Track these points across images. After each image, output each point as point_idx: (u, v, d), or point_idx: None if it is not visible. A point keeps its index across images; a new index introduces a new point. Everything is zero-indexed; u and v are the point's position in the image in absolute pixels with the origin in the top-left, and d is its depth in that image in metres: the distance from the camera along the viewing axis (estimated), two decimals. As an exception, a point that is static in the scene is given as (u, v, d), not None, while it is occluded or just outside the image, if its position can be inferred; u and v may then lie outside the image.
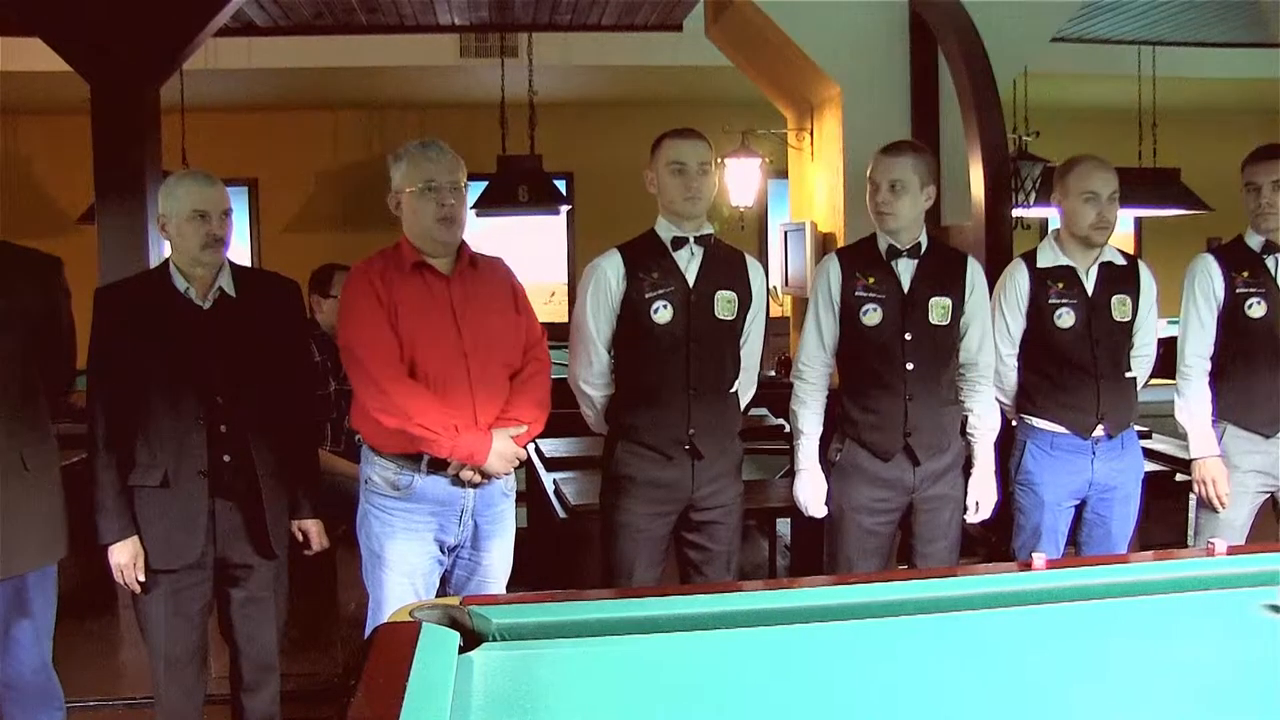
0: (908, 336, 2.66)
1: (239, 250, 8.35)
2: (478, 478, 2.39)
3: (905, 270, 2.69)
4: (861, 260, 2.72)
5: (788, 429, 2.86)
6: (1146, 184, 6.13)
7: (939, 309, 2.68)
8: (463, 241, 2.45)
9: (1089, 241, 2.79)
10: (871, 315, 2.67)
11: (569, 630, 1.74)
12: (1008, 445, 2.92)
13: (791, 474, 2.86)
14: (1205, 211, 6.39)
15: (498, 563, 2.51)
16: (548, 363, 2.53)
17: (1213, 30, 6.29)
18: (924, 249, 2.71)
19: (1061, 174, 2.86)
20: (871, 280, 2.68)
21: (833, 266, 2.74)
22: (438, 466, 2.38)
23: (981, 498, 2.77)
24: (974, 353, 2.77)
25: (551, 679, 1.59)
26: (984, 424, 2.79)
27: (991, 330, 2.80)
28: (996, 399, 2.91)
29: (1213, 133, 7.94)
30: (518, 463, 2.45)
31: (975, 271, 2.76)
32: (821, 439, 2.78)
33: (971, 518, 2.78)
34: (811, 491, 2.75)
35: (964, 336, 2.75)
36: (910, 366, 2.66)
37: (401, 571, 2.40)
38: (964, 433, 2.80)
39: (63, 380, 2.54)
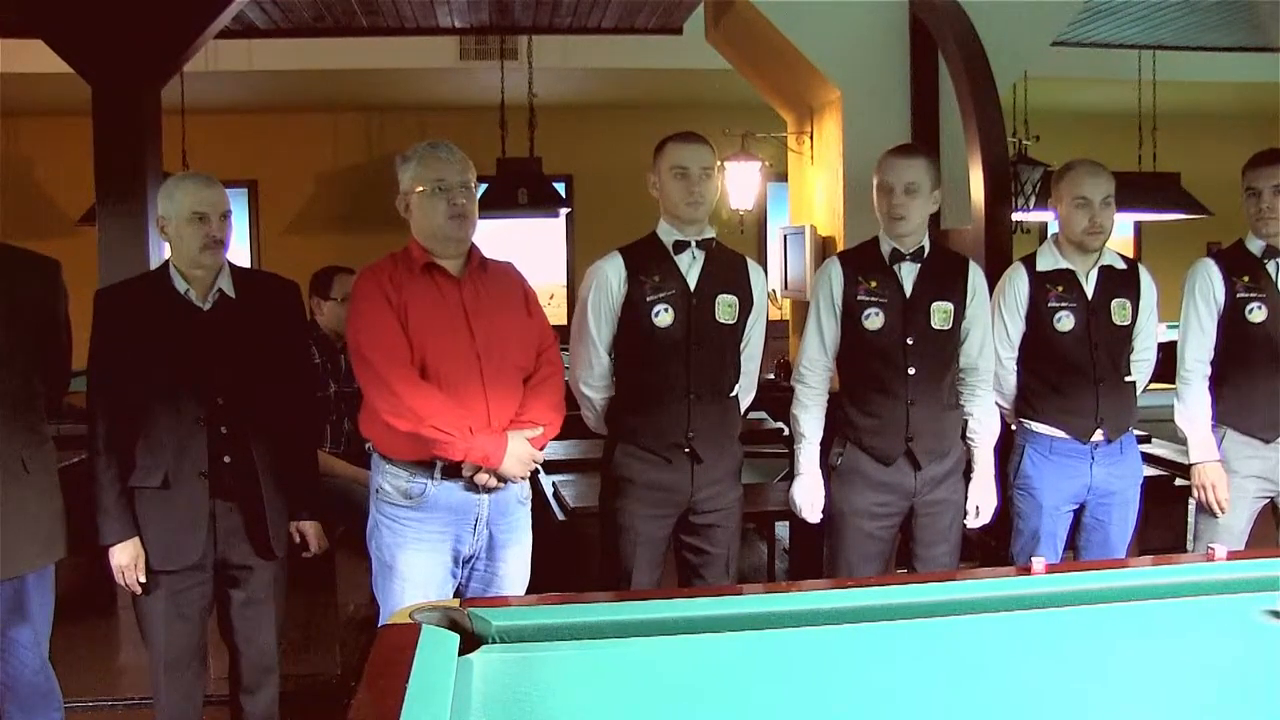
0: (909, 341, 2.66)
1: (239, 252, 8.39)
2: (493, 481, 2.34)
3: (907, 274, 2.69)
4: (863, 264, 2.72)
5: (787, 432, 2.86)
6: (1146, 188, 6.14)
7: (940, 313, 2.68)
8: (473, 244, 2.44)
9: (1084, 246, 2.79)
10: (873, 319, 2.67)
11: (568, 633, 1.74)
12: (1006, 449, 2.92)
13: (791, 478, 2.85)
14: (1205, 216, 6.40)
15: (514, 573, 2.46)
16: (561, 366, 2.51)
17: (1212, 35, 6.30)
18: (926, 253, 2.71)
19: (1057, 179, 2.87)
20: (873, 284, 2.68)
21: (834, 270, 2.74)
22: (452, 473, 2.33)
23: (982, 503, 2.77)
24: (974, 357, 2.77)
25: (551, 681, 1.59)
26: (984, 428, 2.79)
27: (992, 334, 2.80)
28: (996, 403, 2.91)
29: (1212, 137, 7.95)
30: (534, 466, 2.41)
31: (977, 276, 2.76)
32: (821, 443, 2.78)
33: (972, 523, 2.78)
34: (808, 496, 2.74)
35: (965, 341, 2.75)
36: (912, 371, 2.66)
37: (414, 583, 2.34)
38: (964, 437, 2.80)
39: (61, 382, 2.53)
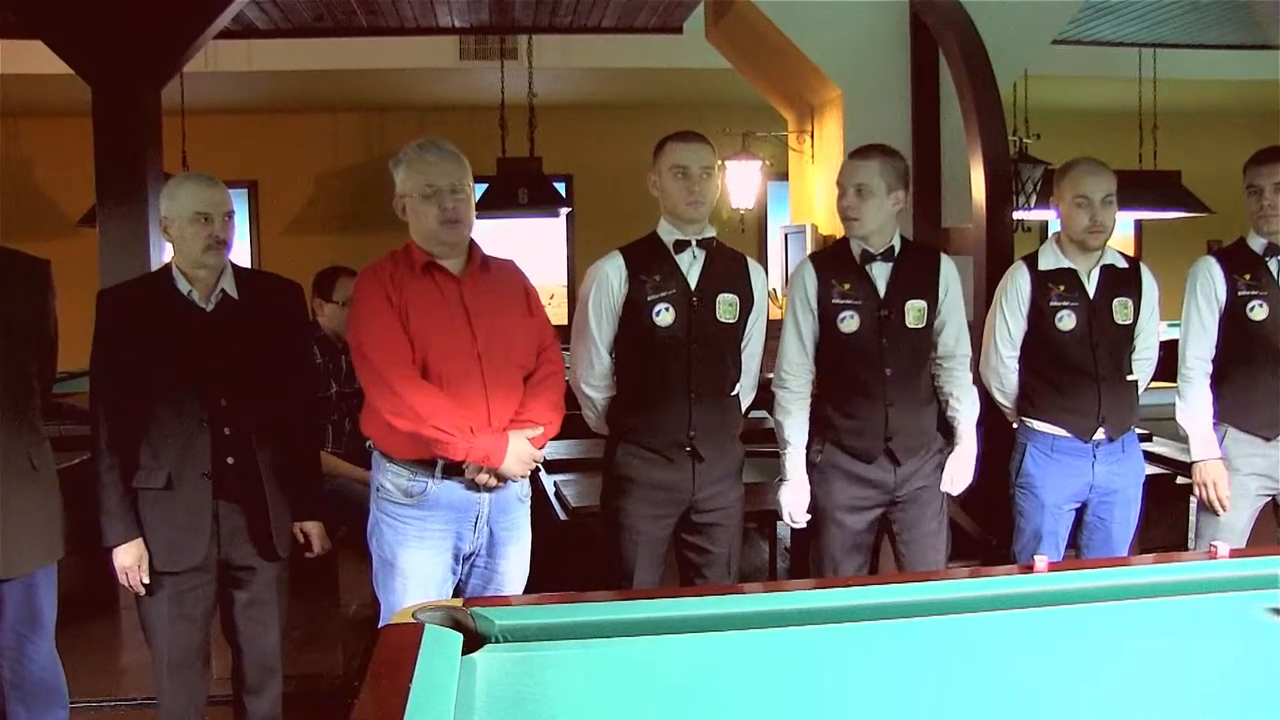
0: (885, 342, 2.66)
1: (239, 252, 8.37)
2: (494, 481, 2.35)
3: (880, 274, 2.69)
4: (835, 266, 2.71)
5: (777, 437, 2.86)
6: (1147, 186, 6.14)
7: (914, 312, 2.68)
8: (474, 243, 2.43)
9: (1085, 245, 2.80)
10: (848, 322, 2.66)
11: (571, 632, 1.74)
12: (1008, 448, 2.92)
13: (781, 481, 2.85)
14: (1205, 214, 6.39)
15: (514, 570, 2.47)
16: (562, 365, 2.51)
17: (1213, 32, 6.30)
18: (897, 252, 2.70)
19: (1058, 177, 2.87)
20: (847, 286, 2.68)
21: (808, 273, 2.73)
22: (452, 472, 2.34)
23: (957, 475, 2.75)
24: (952, 346, 2.76)
25: (553, 680, 1.59)
26: (964, 405, 2.76)
27: (967, 323, 2.80)
28: (998, 402, 2.91)
29: (1213, 135, 7.95)
30: (534, 465, 2.41)
31: (948, 269, 2.75)
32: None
33: (945, 487, 2.76)
34: (795, 499, 2.73)
35: (941, 333, 2.74)
36: (889, 371, 2.66)
37: (415, 580, 2.36)
38: (945, 424, 2.77)
39: (49, 382, 2.55)
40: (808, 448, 2.75)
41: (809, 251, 5.20)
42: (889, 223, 2.69)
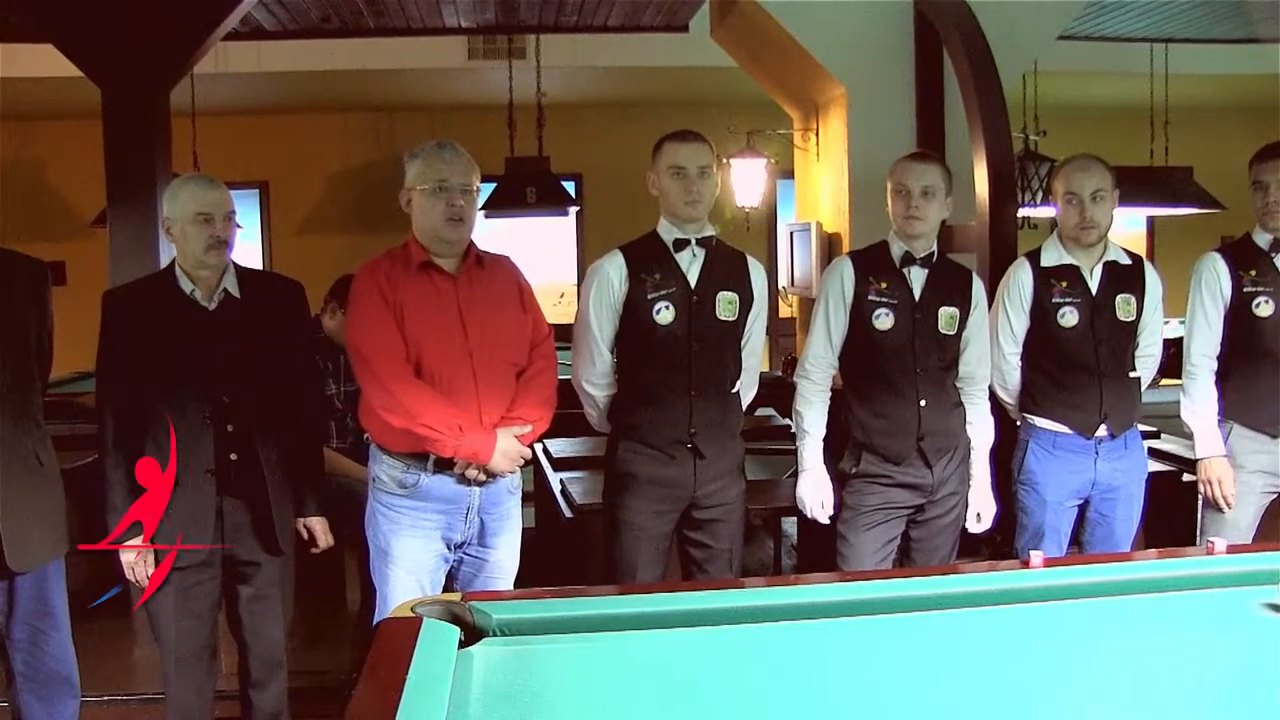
0: (917, 343, 2.68)
1: (250, 253, 8.41)
2: (483, 476, 2.41)
3: (917, 278, 2.71)
4: (874, 265, 2.73)
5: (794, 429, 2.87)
6: (1158, 183, 6.09)
7: (946, 318, 2.70)
8: (470, 241, 2.47)
9: (1079, 241, 2.80)
10: (883, 319, 2.68)
11: (569, 626, 1.75)
12: (1010, 444, 2.92)
13: (797, 475, 2.86)
14: (1218, 210, 6.35)
15: (505, 560, 2.53)
16: (554, 361, 2.55)
17: (1224, 27, 6.25)
18: (934, 259, 2.73)
19: (1053, 175, 2.87)
20: (884, 285, 2.70)
21: (846, 268, 2.75)
22: (444, 465, 2.40)
23: (983, 509, 2.79)
24: (973, 367, 2.79)
25: (551, 674, 1.61)
26: (980, 437, 2.79)
27: (989, 347, 2.82)
28: (1000, 399, 2.91)
29: (1225, 130, 7.87)
30: (523, 461, 2.47)
31: (978, 288, 2.79)
32: (832, 449, 2.78)
33: (973, 528, 2.79)
34: (815, 493, 2.74)
35: (964, 350, 2.77)
36: (920, 371, 2.67)
37: (408, 568, 2.43)
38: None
39: (46, 381, 2.58)
40: (839, 457, 2.75)
41: (813, 249, 5.20)
42: (937, 228, 2.73)
